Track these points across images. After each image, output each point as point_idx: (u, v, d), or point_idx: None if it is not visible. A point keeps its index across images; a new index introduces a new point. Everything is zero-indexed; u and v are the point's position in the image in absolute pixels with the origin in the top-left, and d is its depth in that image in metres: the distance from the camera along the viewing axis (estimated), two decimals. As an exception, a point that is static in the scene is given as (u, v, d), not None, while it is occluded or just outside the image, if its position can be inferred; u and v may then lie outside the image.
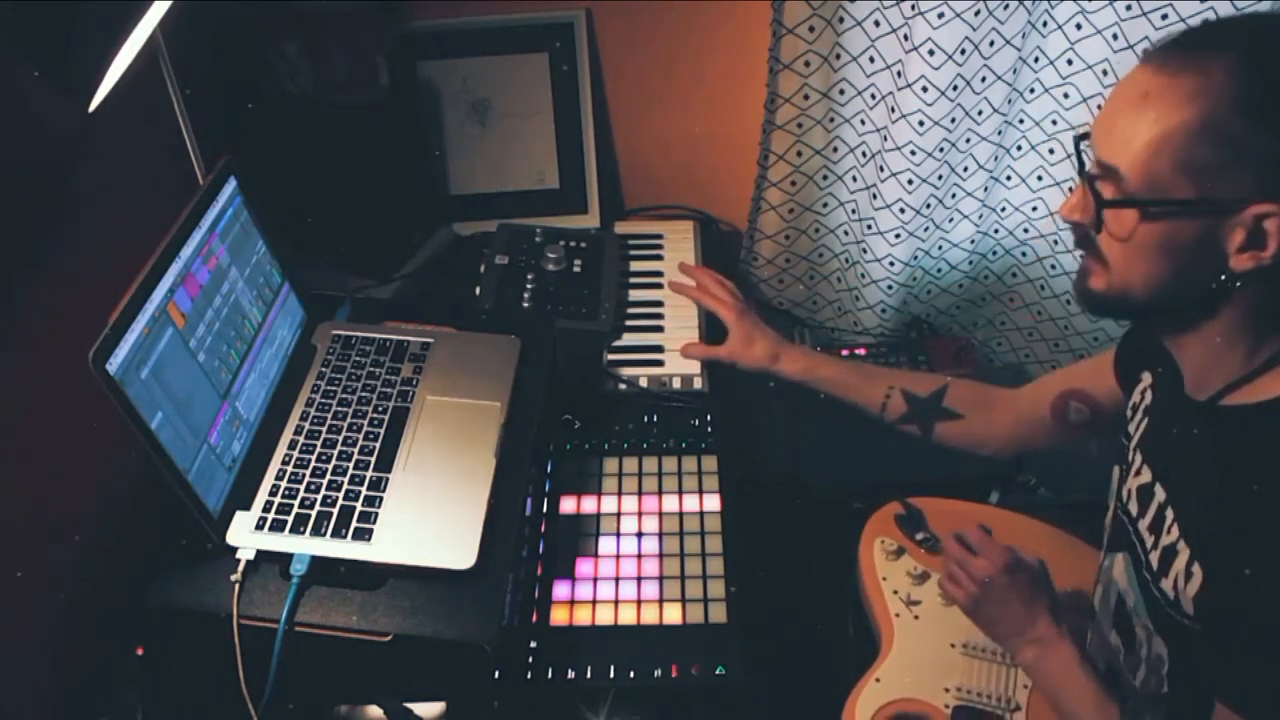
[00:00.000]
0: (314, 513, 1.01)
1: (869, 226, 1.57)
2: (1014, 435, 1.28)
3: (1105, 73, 1.38)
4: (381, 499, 1.03)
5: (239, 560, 0.97)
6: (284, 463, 1.06)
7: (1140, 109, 0.79)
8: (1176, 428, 0.92)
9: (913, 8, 1.33)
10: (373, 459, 1.07)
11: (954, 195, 1.55)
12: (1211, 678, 0.82)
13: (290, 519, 1.01)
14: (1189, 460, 0.89)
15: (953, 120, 1.42)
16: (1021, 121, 1.51)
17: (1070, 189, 1.52)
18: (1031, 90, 1.46)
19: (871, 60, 1.45)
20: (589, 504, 1.24)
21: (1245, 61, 0.76)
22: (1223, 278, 0.80)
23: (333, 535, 1.00)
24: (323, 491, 1.03)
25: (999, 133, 1.48)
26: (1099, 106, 1.40)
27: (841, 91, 1.51)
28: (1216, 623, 0.81)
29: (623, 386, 1.38)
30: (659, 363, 1.42)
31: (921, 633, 1.16)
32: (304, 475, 1.05)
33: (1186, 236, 0.80)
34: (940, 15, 1.32)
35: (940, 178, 1.49)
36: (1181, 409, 0.90)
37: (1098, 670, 1.03)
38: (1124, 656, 0.98)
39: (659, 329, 1.48)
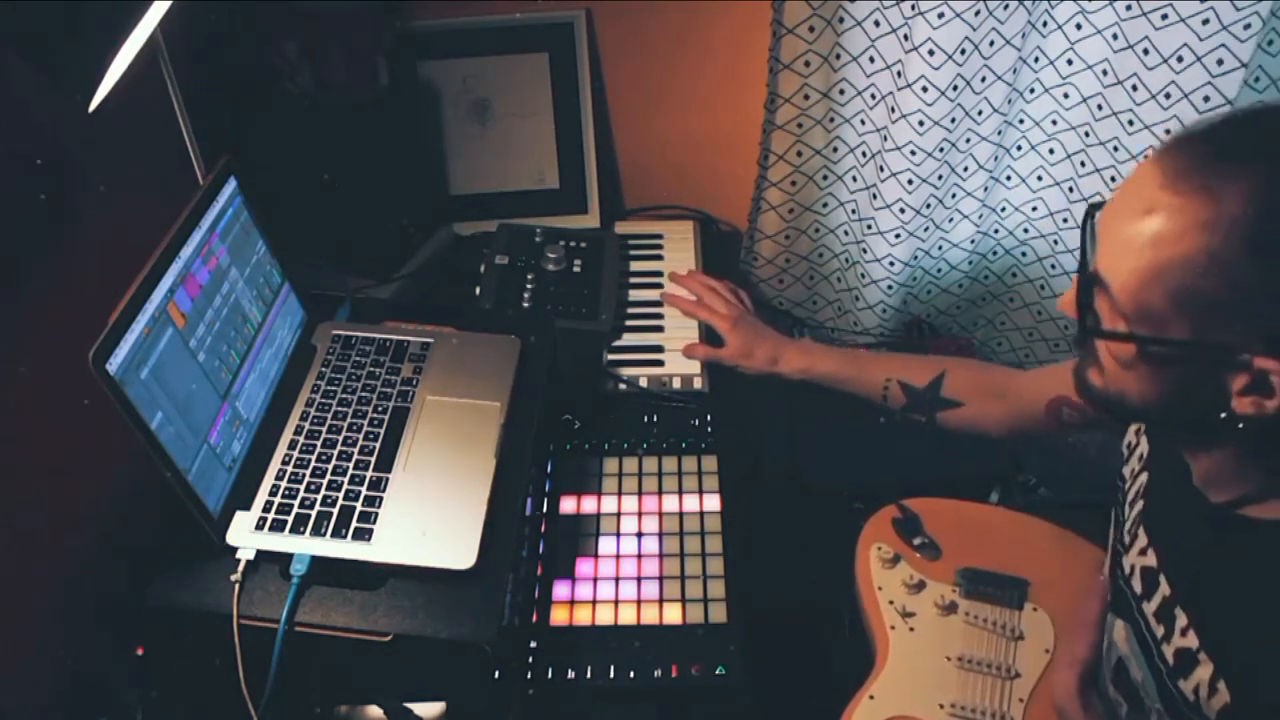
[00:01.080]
0: (314, 513, 1.01)
1: (869, 226, 1.57)
2: (1012, 425, 1.26)
3: (1105, 73, 1.39)
4: (381, 499, 1.03)
5: (239, 560, 0.98)
6: (284, 463, 1.06)
7: (1142, 224, 0.71)
8: (1186, 523, 0.85)
9: (913, 8, 1.33)
10: (373, 459, 1.07)
11: (954, 195, 1.55)
12: None
13: (290, 519, 1.01)
14: (1205, 566, 0.82)
15: (953, 120, 1.42)
16: (1021, 121, 1.51)
17: (1070, 189, 1.52)
18: (1031, 90, 1.46)
19: (871, 60, 1.45)
20: (589, 504, 1.24)
21: (1265, 190, 0.66)
22: (1224, 415, 0.72)
23: (333, 535, 1.00)
24: (323, 491, 1.04)
25: (999, 133, 1.48)
26: (1099, 106, 1.41)
27: (841, 91, 1.51)
28: None
29: (623, 386, 1.38)
30: (659, 363, 1.42)
31: (917, 646, 1.14)
32: (304, 475, 1.05)
33: (1183, 372, 0.74)
34: (940, 15, 1.32)
35: (940, 178, 1.49)
36: (1192, 503, 0.82)
37: None
38: (1126, 712, 0.94)
39: (659, 329, 1.48)
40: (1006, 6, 1.33)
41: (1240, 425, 0.72)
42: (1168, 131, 1.35)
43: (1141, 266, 0.71)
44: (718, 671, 1.08)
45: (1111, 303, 0.74)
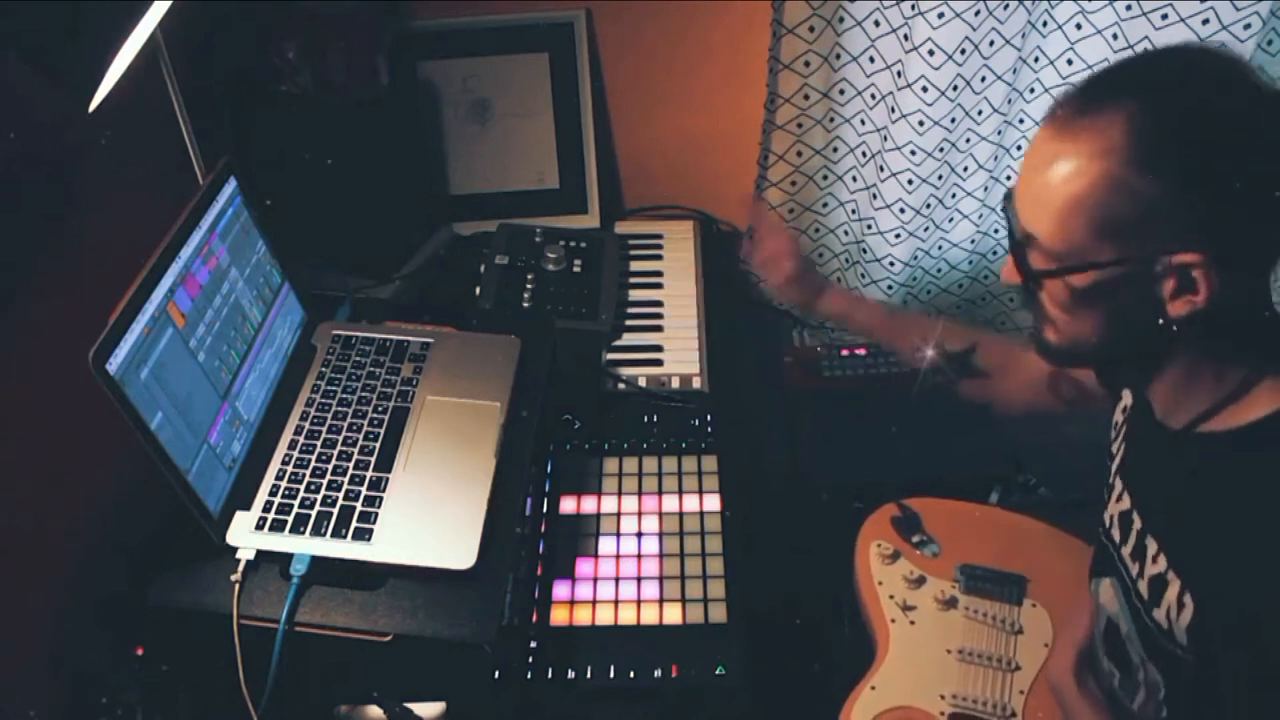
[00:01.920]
0: (314, 513, 1.01)
1: (869, 226, 1.57)
2: (1024, 399, 1.26)
3: (1105, 73, 1.38)
4: (381, 499, 1.03)
5: (239, 560, 0.98)
6: (284, 463, 1.06)
7: (1047, 175, 0.79)
8: (1152, 455, 0.91)
9: (913, 8, 1.33)
10: (373, 459, 1.07)
11: (954, 195, 1.55)
12: (1208, 707, 0.81)
13: (290, 519, 1.01)
14: (1168, 489, 0.88)
15: (953, 120, 1.42)
16: (1021, 121, 1.51)
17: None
18: (1031, 90, 1.46)
19: (871, 60, 1.45)
20: (589, 504, 1.24)
21: (1139, 114, 0.75)
22: (1162, 323, 0.79)
23: (333, 535, 1.00)
24: (323, 491, 1.04)
25: (999, 133, 1.48)
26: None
27: (841, 91, 1.51)
28: (1210, 651, 0.81)
29: (622, 386, 1.38)
30: (659, 363, 1.42)
31: (917, 639, 1.16)
32: (304, 475, 1.05)
33: (1119, 293, 0.79)
34: (940, 15, 1.32)
35: (940, 178, 1.49)
36: (1156, 437, 0.89)
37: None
38: (1119, 680, 0.97)
39: (659, 329, 1.48)
40: (1006, 6, 1.33)
41: (1177, 329, 0.78)
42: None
43: (1057, 208, 0.78)
44: (718, 671, 1.08)
45: (1043, 253, 0.81)
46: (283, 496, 1.03)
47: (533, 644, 1.10)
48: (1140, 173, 0.74)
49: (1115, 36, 1.35)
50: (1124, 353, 0.86)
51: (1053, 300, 0.84)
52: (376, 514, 1.02)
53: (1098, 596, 0.99)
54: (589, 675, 1.08)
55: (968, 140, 1.48)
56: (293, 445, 1.08)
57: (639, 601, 1.14)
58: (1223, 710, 0.80)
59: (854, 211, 1.62)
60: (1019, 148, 1.54)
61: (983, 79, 1.40)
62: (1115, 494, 0.96)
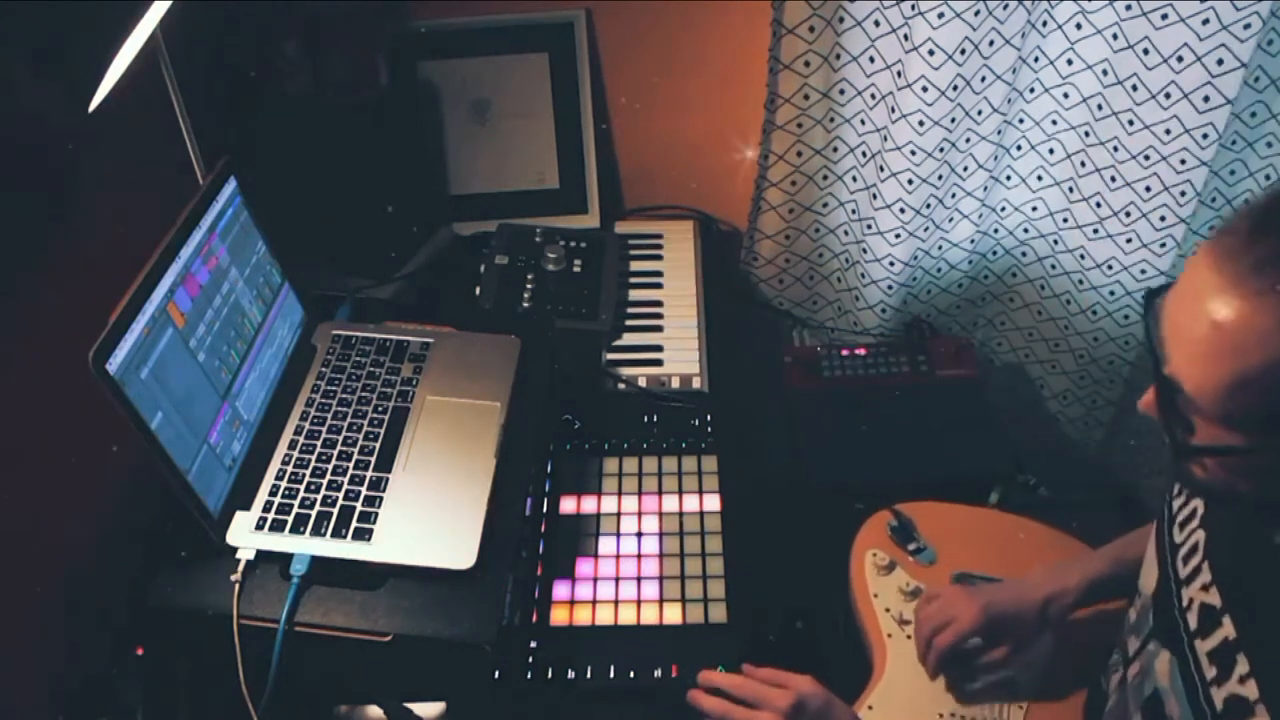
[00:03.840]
0: (314, 513, 1.01)
1: (869, 226, 1.57)
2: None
3: (1105, 72, 1.39)
4: (381, 499, 1.03)
5: (239, 560, 0.98)
6: (284, 463, 1.06)
7: (1213, 332, 0.68)
8: (1261, 568, 0.81)
9: (913, 8, 1.33)
10: (373, 459, 1.07)
11: (954, 195, 1.55)
12: None
13: (290, 519, 1.01)
14: (1278, 617, 0.79)
15: (953, 120, 1.42)
16: (1021, 121, 1.51)
17: (1070, 189, 1.52)
18: (1031, 90, 1.46)
19: (871, 60, 1.45)
20: (589, 504, 1.24)
21: None
22: None
23: (333, 535, 1.00)
24: (323, 491, 1.04)
25: (999, 133, 1.48)
26: (1099, 106, 1.41)
27: (841, 91, 1.51)
28: None
29: (622, 386, 1.38)
30: (658, 363, 1.42)
31: (914, 655, 1.13)
32: (304, 475, 1.05)
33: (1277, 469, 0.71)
34: (940, 15, 1.32)
35: (940, 178, 1.49)
36: (1269, 554, 0.80)
37: None
38: None
39: (659, 329, 1.48)
40: (1006, 6, 1.33)
41: None
42: (1167, 131, 1.36)
43: (1222, 376, 0.68)
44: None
45: (1198, 411, 0.72)
46: (283, 496, 1.03)
47: (533, 644, 1.10)
48: None
49: (1115, 36, 1.35)
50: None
51: (1211, 459, 0.75)
52: (376, 514, 1.02)
53: (1150, 662, 0.92)
54: (589, 675, 1.08)
55: (968, 140, 1.48)
56: (293, 445, 1.08)
57: (639, 601, 1.14)
58: None
59: (854, 211, 1.62)
60: (1019, 148, 1.54)
61: (983, 79, 1.40)
62: (1199, 581, 0.86)
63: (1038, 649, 1.12)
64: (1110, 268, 1.53)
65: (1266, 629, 0.79)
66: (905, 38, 1.37)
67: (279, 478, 1.04)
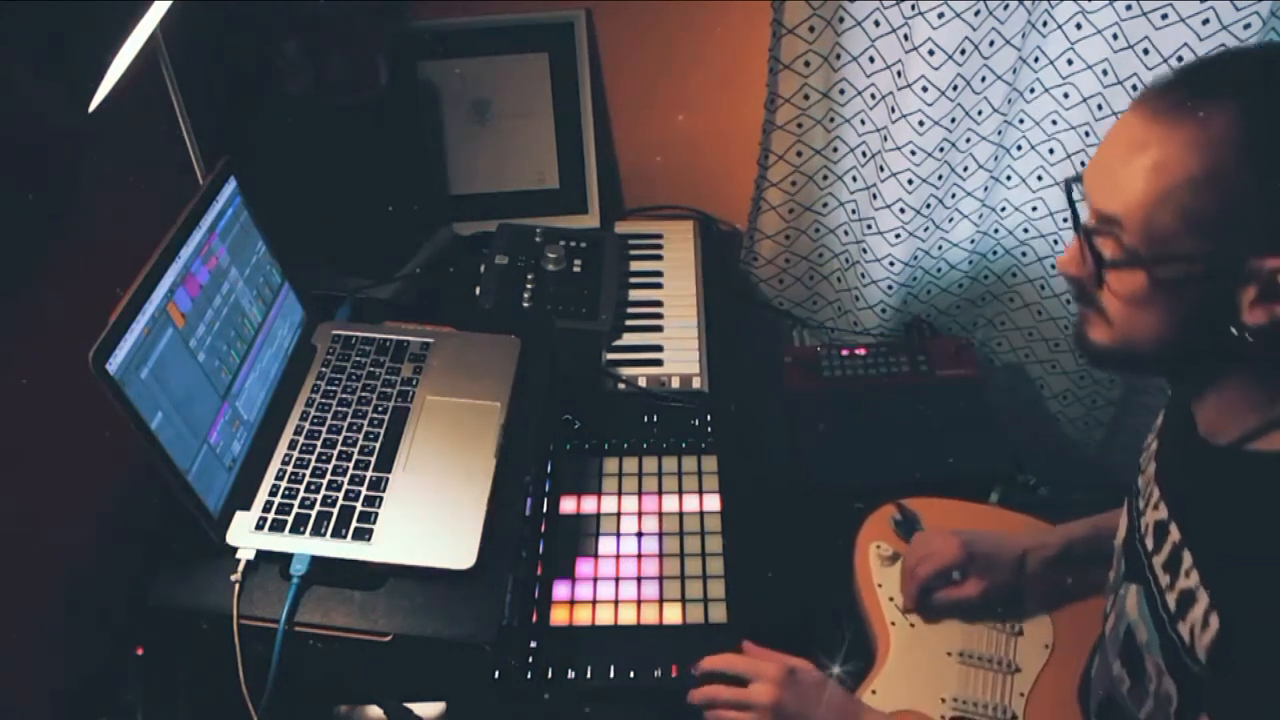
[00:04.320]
0: (314, 513, 1.02)
1: (869, 226, 1.57)
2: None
3: (1105, 72, 1.39)
4: (381, 499, 1.03)
5: (239, 560, 0.98)
6: (284, 463, 1.06)
7: (1137, 159, 0.76)
8: (1193, 468, 0.88)
9: (913, 8, 1.33)
10: (373, 459, 1.07)
11: (954, 195, 1.55)
12: None
13: (290, 519, 1.01)
14: (1209, 505, 0.85)
15: (953, 120, 1.42)
16: (1021, 121, 1.51)
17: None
18: (1031, 90, 1.46)
19: (871, 60, 1.45)
20: (589, 504, 1.24)
21: (1250, 108, 0.72)
22: (1234, 332, 0.76)
23: (333, 535, 1.00)
24: (323, 491, 1.04)
25: (999, 133, 1.48)
26: (1099, 106, 1.41)
27: (841, 91, 1.51)
28: (1228, 673, 0.78)
29: (622, 386, 1.38)
30: (658, 363, 1.42)
31: (917, 642, 1.15)
32: (304, 475, 1.05)
33: (1195, 292, 0.76)
34: (940, 15, 1.32)
35: (940, 178, 1.49)
36: (1199, 450, 0.85)
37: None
38: (1128, 688, 0.95)
39: (659, 329, 1.48)
40: (1006, 6, 1.33)
41: (1249, 339, 0.75)
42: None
43: (1146, 196, 0.75)
44: (718, 671, 1.08)
45: (1118, 241, 0.78)
46: (283, 496, 1.03)
47: (533, 644, 1.10)
48: (1247, 170, 0.72)
49: (1115, 36, 1.35)
50: (1179, 358, 0.82)
51: (1116, 294, 0.80)
52: (376, 514, 1.02)
53: (1123, 602, 0.96)
54: (589, 675, 1.08)
55: (968, 140, 1.48)
56: (293, 445, 1.08)
57: (639, 601, 1.14)
58: None
59: (854, 211, 1.62)
60: (1019, 148, 1.54)
61: (983, 79, 1.40)
62: (1151, 502, 0.92)
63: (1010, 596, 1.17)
64: (1110, 268, 1.53)
65: (1198, 517, 0.86)
66: (905, 38, 1.37)
67: (279, 478, 1.05)
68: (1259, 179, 0.72)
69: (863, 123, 1.52)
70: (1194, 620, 0.81)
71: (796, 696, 1.00)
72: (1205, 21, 1.26)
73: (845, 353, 1.57)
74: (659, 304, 1.52)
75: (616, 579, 1.16)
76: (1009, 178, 1.57)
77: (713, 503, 1.24)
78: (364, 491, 1.04)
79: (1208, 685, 0.81)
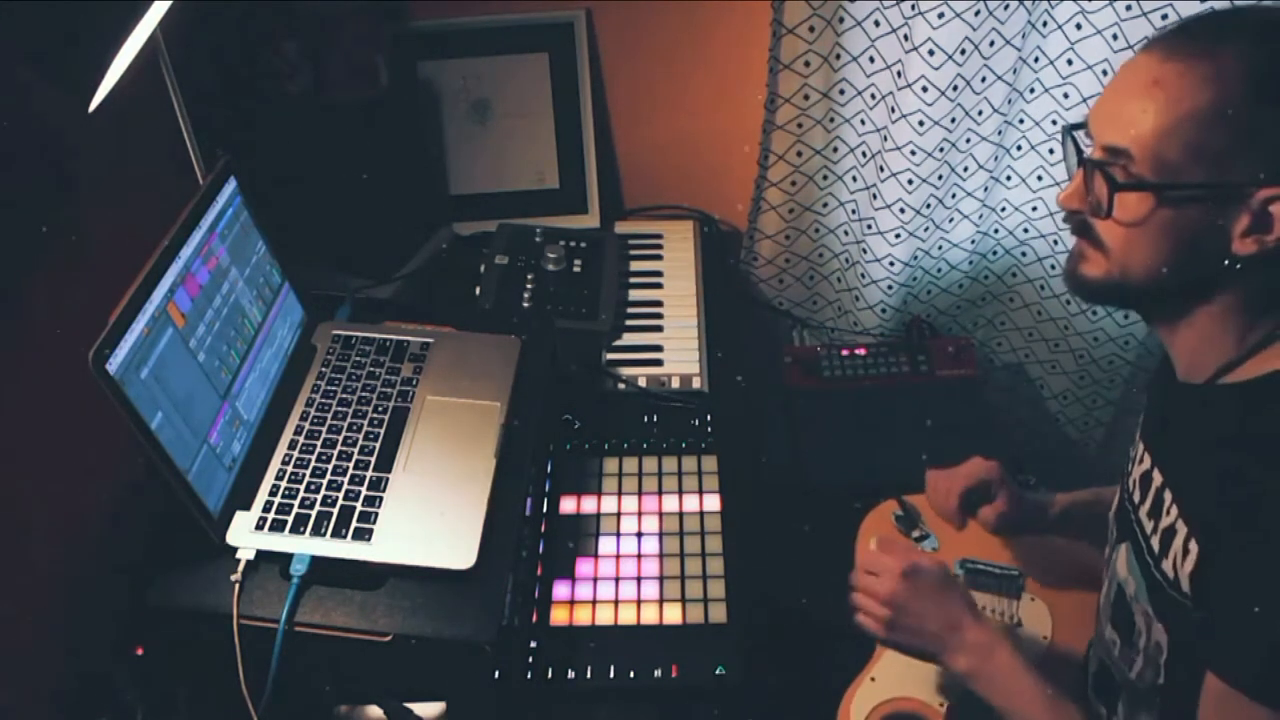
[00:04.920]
0: (314, 513, 1.01)
1: (869, 226, 1.57)
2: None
3: (1105, 73, 1.39)
4: (381, 499, 1.03)
5: (239, 560, 0.98)
6: (284, 463, 1.06)
7: (1149, 94, 0.80)
8: (1172, 412, 0.93)
9: (913, 8, 1.33)
10: (373, 459, 1.07)
11: (954, 195, 1.55)
12: (1205, 652, 0.82)
13: (290, 519, 1.01)
14: (1186, 443, 0.89)
15: (953, 120, 1.42)
16: (1021, 121, 1.51)
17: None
18: (1031, 90, 1.46)
19: (871, 60, 1.45)
20: (589, 504, 1.24)
21: (1257, 47, 0.77)
22: (1225, 261, 0.80)
23: (333, 535, 1.00)
24: (323, 491, 1.04)
25: (999, 133, 1.48)
26: (1099, 106, 1.41)
27: (841, 91, 1.51)
28: (1210, 597, 0.81)
29: (622, 386, 1.38)
30: (659, 363, 1.42)
31: None
32: (304, 475, 1.05)
33: (1192, 221, 0.80)
34: (940, 15, 1.32)
35: (940, 178, 1.49)
36: (1177, 394, 0.90)
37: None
38: (1119, 649, 0.97)
39: (659, 329, 1.48)
40: (1006, 6, 1.33)
41: (1238, 267, 0.80)
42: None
43: (1157, 128, 0.79)
44: (718, 671, 1.08)
45: (1125, 170, 0.82)
46: (283, 496, 1.03)
47: (533, 644, 1.10)
48: (1252, 101, 0.76)
49: (1115, 36, 1.35)
50: (1168, 289, 0.85)
51: (1120, 220, 0.83)
52: (376, 514, 1.02)
53: (1114, 565, 0.99)
54: (589, 675, 1.08)
55: (968, 140, 1.48)
56: (293, 445, 1.08)
57: (639, 601, 1.14)
58: (1217, 654, 0.80)
59: (854, 211, 1.62)
60: (1019, 148, 1.54)
61: (983, 79, 1.40)
62: (1137, 458, 0.97)
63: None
64: (1110, 268, 1.53)
65: (1176, 456, 0.90)
66: (905, 38, 1.37)
67: (279, 478, 1.04)
68: (1264, 112, 0.76)
69: (863, 123, 1.52)
70: (1175, 552, 0.85)
71: (912, 594, 1.02)
72: (1205, 21, 1.26)
73: (845, 353, 1.57)
74: (659, 304, 1.52)
75: (616, 579, 1.16)
76: (1009, 178, 1.57)
77: (713, 503, 1.24)
78: (364, 491, 1.04)
79: (1192, 615, 0.83)
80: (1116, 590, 0.98)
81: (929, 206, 1.52)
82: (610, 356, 1.43)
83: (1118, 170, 0.82)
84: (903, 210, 1.51)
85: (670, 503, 1.24)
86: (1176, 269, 0.83)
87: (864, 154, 1.54)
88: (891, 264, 1.58)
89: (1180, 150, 0.79)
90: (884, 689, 1.11)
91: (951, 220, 1.59)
